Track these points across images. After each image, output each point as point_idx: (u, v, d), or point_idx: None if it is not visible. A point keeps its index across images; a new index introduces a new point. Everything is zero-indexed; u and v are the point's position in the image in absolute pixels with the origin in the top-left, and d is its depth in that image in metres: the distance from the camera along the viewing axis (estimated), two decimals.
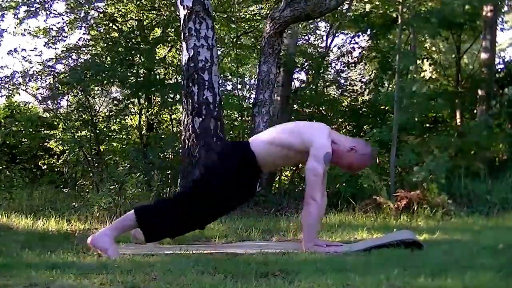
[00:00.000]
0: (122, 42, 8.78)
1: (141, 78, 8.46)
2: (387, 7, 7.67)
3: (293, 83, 9.50)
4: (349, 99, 9.58)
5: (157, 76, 8.91)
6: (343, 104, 9.33)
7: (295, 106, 8.94)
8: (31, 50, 8.84)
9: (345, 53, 9.85)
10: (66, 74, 8.23)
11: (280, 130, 3.38)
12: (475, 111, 8.45)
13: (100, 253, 3.06)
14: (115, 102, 8.96)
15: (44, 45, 8.74)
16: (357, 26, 7.96)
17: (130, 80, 8.31)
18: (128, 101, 8.79)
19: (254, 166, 3.24)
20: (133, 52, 8.45)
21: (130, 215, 3.14)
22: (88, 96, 8.32)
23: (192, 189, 3.36)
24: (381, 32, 7.90)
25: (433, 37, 7.52)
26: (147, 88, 8.37)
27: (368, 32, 8.26)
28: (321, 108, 8.87)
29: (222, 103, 6.14)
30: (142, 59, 8.41)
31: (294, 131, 3.29)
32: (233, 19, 9.10)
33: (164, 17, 8.80)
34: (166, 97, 8.29)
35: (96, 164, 8.06)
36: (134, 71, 8.45)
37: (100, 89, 8.93)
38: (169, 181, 7.26)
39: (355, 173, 3.50)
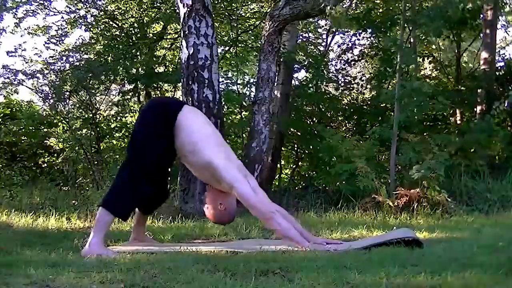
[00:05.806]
0: (123, 38, 8.75)
1: (142, 72, 8.45)
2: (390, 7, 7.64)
3: (293, 81, 9.48)
4: (350, 97, 9.57)
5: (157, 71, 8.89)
6: (344, 102, 9.32)
7: (295, 104, 8.93)
8: (31, 50, 8.78)
9: (345, 50, 9.82)
10: (69, 73, 8.21)
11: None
12: (475, 109, 8.43)
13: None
14: (126, 97, 8.89)
15: (44, 45, 8.71)
16: (358, 25, 7.93)
17: (131, 72, 8.30)
18: (135, 93, 8.75)
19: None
20: (132, 46, 8.42)
21: (100, 211, 3.20)
22: (90, 95, 8.31)
23: (127, 158, 3.43)
24: (384, 31, 7.87)
25: (438, 36, 7.47)
26: (149, 79, 8.36)
27: (369, 30, 8.24)
28: (321, 106, 8.85)
29: (222, 101, 6.12)
30: (142, 57, 8.40)
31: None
32: (233, 17, 9.09)
33: (164, 14, 8.77)
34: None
35: (96, 162, 8.06)
36: (135, 67, 8.43)
37: (103, 87, 8.89)
38: (169, 179, 7.24)
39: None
